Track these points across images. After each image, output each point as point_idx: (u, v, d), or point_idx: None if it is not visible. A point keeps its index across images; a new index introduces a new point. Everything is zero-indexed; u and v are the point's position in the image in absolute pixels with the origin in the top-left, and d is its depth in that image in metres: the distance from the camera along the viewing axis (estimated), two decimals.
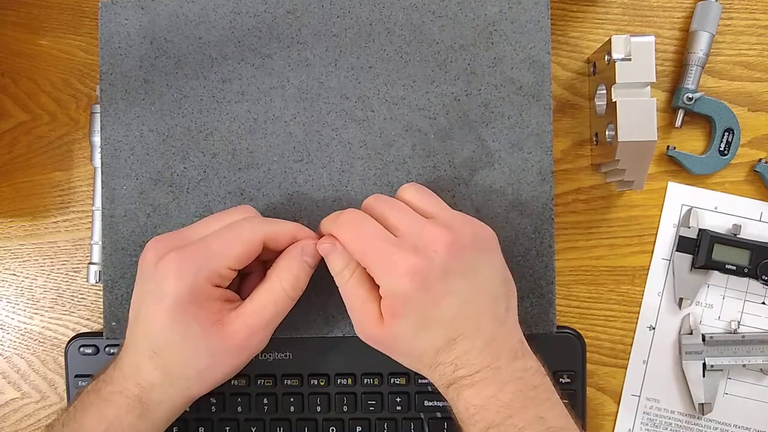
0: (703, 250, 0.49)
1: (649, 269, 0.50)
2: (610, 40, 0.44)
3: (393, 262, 0.37)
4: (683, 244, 0.50)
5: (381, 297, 0.38)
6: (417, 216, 0.39)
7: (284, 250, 0.41)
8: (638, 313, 0.50)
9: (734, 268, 0.49)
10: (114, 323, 0.46)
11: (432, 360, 0.38)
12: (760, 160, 0.50)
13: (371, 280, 0.39)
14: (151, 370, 0.38)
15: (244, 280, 0.43)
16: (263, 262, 0.42)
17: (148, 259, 0.39)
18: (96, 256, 0.50)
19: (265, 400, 0.48)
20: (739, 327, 0.50)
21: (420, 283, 0.36)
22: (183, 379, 0.39)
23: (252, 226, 0.40)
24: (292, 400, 0.48)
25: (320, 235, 0.42)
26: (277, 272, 0.40)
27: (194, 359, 0.39)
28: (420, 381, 0.47)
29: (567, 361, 0.47)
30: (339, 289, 0.40)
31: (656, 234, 0.50)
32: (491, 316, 0.38)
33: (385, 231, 0.38)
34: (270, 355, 0.47)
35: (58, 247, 0.52)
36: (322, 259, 0.41)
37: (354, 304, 0.39)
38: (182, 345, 0.38)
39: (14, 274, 0.52)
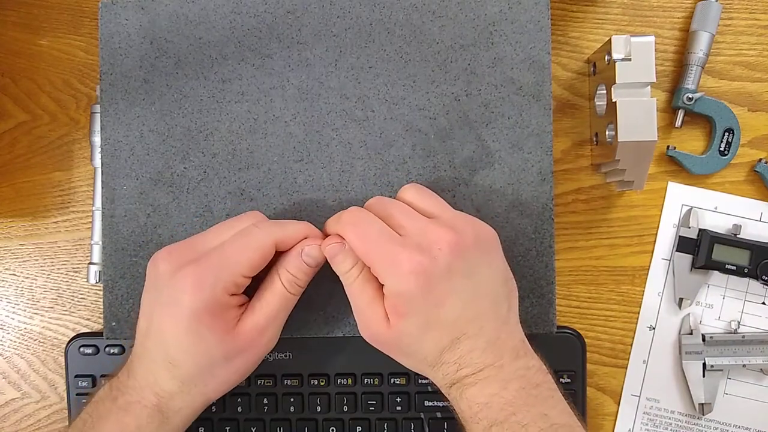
0: (703, 250, 0.49)
1: (649, 269, 0.50)
2: (610, 40, 0.44)
3: (398, 261, 0.37)
4: (683, 244, 0.50)
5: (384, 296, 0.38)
6: (419, 216, 0.39)
7: None
8: (638, 313, 0.50)
9: (734, 268, 0.49)
10: (114, 323, 0.46)
11: (436, 360, 0.38)
12: (760, 160, 0.50)
13: (377, 279, 0.39)
14: (168, 379, 0.39)
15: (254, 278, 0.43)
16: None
17: (161, 270, 0.39)
18: (96, 256, 0.50)
19: (265, 400, 0.48)
20: (739, 327, 0.50)
21: (424, 282, 0.36)
22: (200, 386, 0.39)
23: (262, 231, 0.40)
24: (292, 400, 0.48)
25: (326, 235, 0.42)
26: (277, 270, 0.40)
27: (211, 367, 0.39)
28: (420, 381, 0.47)
29: (567, 361, 0.47)
30: (345, 289, 0.40)
31: (656, 234, 0.50)
32: (493, 315, 0.38)
33: (389, 230, 0.38)
34: (270, 355, 0.47)
35: (58, 247, 0.52)
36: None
37: (360, 305, 0.39)
38: (199, 355, 0.38)
39: (14, 274, 0.52)
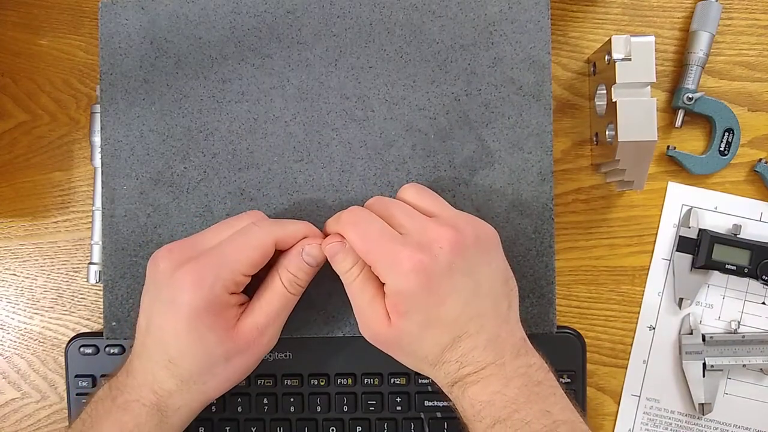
0: (703, 250, 0.49)
1: (649, 269, 0.50)
2: (610, 40, 0.44)
3: (398, 259, 0.37)
4: (683, 244, 0.50)
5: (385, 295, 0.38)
6: (420, 215, 0.39)
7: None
8: (638, 313, 0.50)
9: (734, 268, 0.49)
10: (114, 323, 0.46)
11: (437, 359, 0.38)
12: (760, 160, 0.50)
13: (377, 278, 0.39)
14: (167, 378, 0.39)
15: (254, 277, 0.43)
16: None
17: (161, 268, 0.39)
18: (96, 256, 0.50)
19: (265, 400, 0.48)
20: (739, 327, 0.50)
21: (425, 280, 0.36)
22: (199, 384, 0.39)
23: (262, 230, 0.40)
24: (292, 400, 0.48)
25: (326, 235, 0.42)
26: (277, 270, 0.41)
27: (211, 366, 0.39)
28: (420, 381, 0.47)
29: (567, 361, 0.47)
30: (345, 288, 0.40)
31: (656, 234, 0.50)
32: (494, 314, 0.38)
33: (390, 228, 0.38)
34: (270, 355, 0.47)
35: (58, 247, 0.52)
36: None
37: (361, 304, 0.39)
38: (198, 354, 0.38)
39: (14, 274, 0.52)
